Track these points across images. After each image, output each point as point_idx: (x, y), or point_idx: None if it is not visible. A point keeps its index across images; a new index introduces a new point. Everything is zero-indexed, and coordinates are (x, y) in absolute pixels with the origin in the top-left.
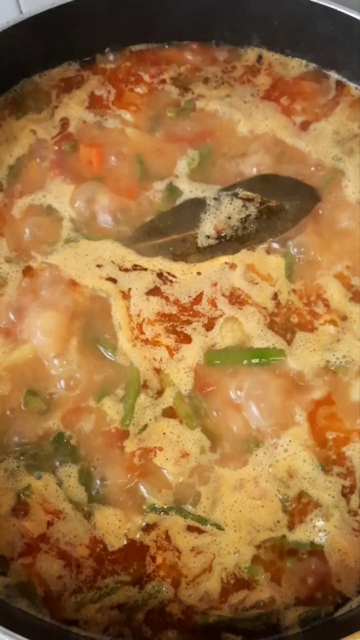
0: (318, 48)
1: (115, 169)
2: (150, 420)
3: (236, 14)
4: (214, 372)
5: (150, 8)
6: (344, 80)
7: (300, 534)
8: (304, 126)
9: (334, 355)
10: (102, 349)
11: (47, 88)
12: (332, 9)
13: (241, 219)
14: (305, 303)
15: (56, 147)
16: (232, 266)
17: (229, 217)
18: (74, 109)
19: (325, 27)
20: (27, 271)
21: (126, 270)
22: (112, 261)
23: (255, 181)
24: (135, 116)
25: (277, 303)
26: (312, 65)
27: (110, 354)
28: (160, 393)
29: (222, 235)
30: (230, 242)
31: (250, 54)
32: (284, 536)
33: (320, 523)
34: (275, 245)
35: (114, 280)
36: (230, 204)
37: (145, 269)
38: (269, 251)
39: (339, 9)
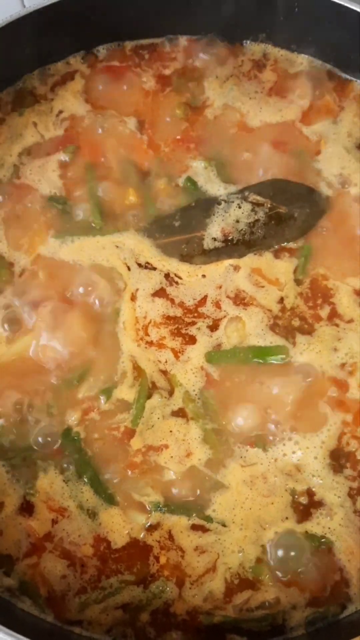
0: (324, 44)
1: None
2: (158, 419)
3: (242, 9)
4: (222, 371)
5: (155, 2)
6: (350, 77)
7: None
8: (313, 125)
9: (337, 356)
10: None
11: (49, 83)
12: (338, 4)
13: (249, 223)
14: (310, 307)
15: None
16: (236, 268)
17: (237, 221)
18: (75, 105)
19: (331, 23)
20: None
21: (139, 265)
22: (131, 249)
23: (266, 185)
24: (139, 113)
25: (282, 307)
26: (318, 62)
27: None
28: (171, 393)
29: (229, 238)
30: (236, 246)
31: (256, 50)
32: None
33: (324, 520)
34: (285, 250)
35: (128, 267)
36: (239, 207)
37: (155, 269)
38: (277, 255)
39: (345, 4)
